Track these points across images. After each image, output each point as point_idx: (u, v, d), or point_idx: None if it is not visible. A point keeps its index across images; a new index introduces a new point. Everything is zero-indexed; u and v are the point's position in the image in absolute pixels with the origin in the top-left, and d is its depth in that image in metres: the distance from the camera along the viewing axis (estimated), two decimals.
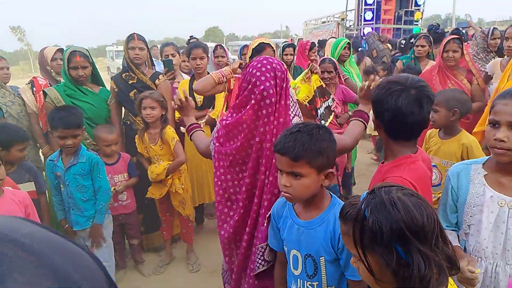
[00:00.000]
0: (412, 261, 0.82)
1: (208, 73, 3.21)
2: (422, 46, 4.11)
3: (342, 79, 3.61)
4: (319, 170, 1.30)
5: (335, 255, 1.34)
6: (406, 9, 10.73)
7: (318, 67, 2.87)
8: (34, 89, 3.84)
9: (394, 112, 1.31)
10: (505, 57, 3.28)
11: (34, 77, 3.94)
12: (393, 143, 1.40)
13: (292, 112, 1.65)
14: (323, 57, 3.53)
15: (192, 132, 1.99)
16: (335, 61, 3.48)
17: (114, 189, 2.73)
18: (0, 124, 2.60)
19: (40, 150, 3.29)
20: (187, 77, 3.73)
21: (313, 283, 1.40)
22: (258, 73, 1.55)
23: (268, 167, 1.57)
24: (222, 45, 4.13)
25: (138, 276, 2.97)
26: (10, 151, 2.34)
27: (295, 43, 13.59)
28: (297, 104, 1.70)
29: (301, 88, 3.72)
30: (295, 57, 4.44)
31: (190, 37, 4.18)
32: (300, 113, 1.71)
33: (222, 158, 1.66)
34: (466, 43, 4.27)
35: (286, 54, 4.39)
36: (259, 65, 1.57)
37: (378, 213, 0.86)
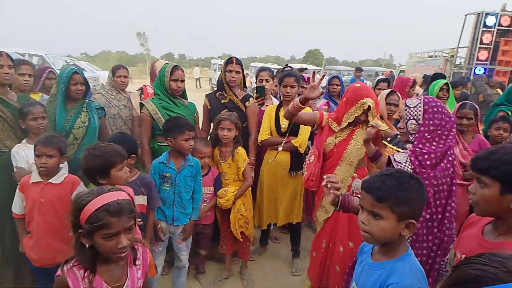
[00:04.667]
0: None
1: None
2: None
3: (480, 129, 3.22)
4: (400, 218, 1.30)
5: None
6: None
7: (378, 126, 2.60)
8: (142, 95, 4.35)
9: None
10: None
11: (144, 85, 4.46)
12: None
13: None
14: (464, 102, 3.16)
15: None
16: (477, 107, 3.10)
17: None
18: (116, 136, 2.53)
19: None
20: (276, 102, 3.87)
21: None
22: (445, 111, 1.93)
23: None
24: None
25: (197, 285, 3.13)
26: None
27: (395, 75, 13.06)
28: None
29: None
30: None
31: (285, 65, 4.35)
32: None
33: (430, 182, 1.89)
34: None
35: (379, 89, 4.37)
36: (440, 103, 1.94)
37: None
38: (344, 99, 2.66)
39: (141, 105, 3.13)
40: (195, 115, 3.24)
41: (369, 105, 2.51)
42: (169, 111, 3.05)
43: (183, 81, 3.11)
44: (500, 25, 9.54)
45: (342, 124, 2.60)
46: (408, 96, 4.71)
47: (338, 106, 2.77)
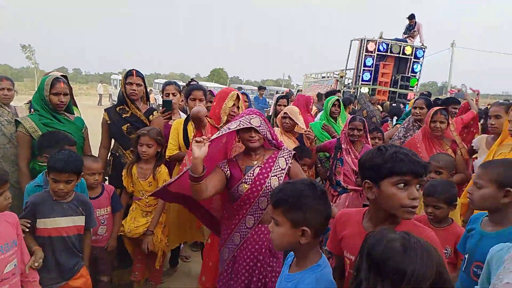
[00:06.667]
0: None
1: None
2: (421, 108, 3.89)
3: (369, 139, 3.57)
4: (293, 224, 1.28)
5: None
6: (402, 74, 11.15)
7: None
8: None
9: None
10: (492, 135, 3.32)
11: None
12: None
13: None
14: (354, 116, 3.52)
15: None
16: (364, 120, 3.49)
17: None
18: None
19: None
20: (184, 116, 3.81)
21: None
22: None
23: None
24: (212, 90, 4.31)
25: None
26: None
27: (294, 93, 14.01)
28: None
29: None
30: None
31: (191, 79, 4.35)
32: None
33: None
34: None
35: (280, 105, 4.65)
36: None
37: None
38: (214, 103, 2.81)
39: (17, 122, 2.74)
40: (83, 131, 2.97)
41: (237, 94, 2.72)
42: (51, 128, 2.73)
43: (66, 94, 2.82)
44: (379, 50, 10.95)
45: (222, 119, 2.71)
46: (308, 111, 5.11)
47: (211, 109, 2.88)
